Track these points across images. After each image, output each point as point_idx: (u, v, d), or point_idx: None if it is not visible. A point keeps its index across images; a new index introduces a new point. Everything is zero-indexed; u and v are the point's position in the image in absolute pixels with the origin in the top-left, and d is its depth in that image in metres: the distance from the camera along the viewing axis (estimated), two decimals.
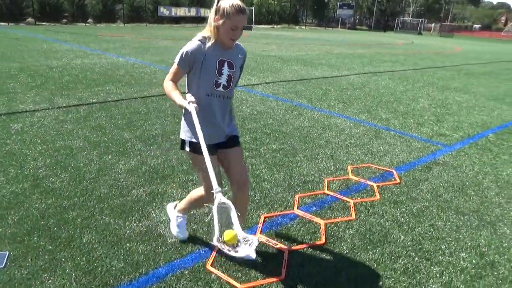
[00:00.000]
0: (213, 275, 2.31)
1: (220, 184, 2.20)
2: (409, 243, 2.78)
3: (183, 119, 2.31)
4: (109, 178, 3.52)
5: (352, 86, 8.80)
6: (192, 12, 36.32)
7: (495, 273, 2.52)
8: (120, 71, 9.01)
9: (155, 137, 4.64)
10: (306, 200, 3.33)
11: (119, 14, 33.98)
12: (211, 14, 2.12)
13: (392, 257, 2.60)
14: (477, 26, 74.23)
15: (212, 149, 2.19)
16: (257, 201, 3.24)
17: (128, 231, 2.71)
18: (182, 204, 2.60)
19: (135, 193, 3.26)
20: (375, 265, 2.50)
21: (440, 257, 2.64)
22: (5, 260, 2.34)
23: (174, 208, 2.68)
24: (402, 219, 3.11)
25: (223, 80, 2.20)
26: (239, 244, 1.85)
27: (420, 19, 52.32)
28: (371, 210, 3.21)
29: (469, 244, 2.83)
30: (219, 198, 1.87)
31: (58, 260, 2.37)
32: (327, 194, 3.45)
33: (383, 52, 18.20)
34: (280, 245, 2.61)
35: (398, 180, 3.81)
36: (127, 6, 33.77)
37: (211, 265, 2.38)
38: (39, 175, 3.49)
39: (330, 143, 4.82)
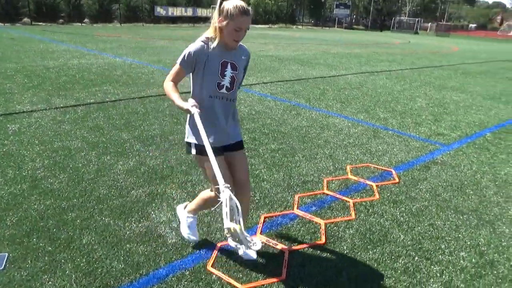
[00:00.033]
0: (214, 275, 2.30)
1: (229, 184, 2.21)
2: (409, 242, 2.79)
3: (187, 122, 2.30)
4: (108, 178, 3.51)
5: (350, 85, 8.82)
6: (189, 12, 36.28)
7: (495, 272, 2.53)
8: (117, 71, 8.98)
9: (153, 138, 4.63)
10: (306, 200, 3.34)
11: (115, 14, 33.87)
12: (214, 15, 2.10)
13: (393, 257, 2.60)
14: (473, 25, 74.54)
15: (218, 150, 2.19)
16: (256, 201, 3.24)
17: (128, 232, 2.70)
18: (192, 204, 2.57)
19: (135, 194, 3.25)
20: (375, 265, 2.51)
21: (440, 256, 2.65)
22: (4, 262, 2.32)
23: (184, 208, 2.64)
24: (401, 218, 3.11)
25: (226, 82, 2.18)
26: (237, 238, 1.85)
27: (417, 19, 52.46)
28: (370, 210, 3.21)
29: (469, 243, 2.84)
30: (227, 193, 1.86)
31: (58, 262, 2.36)
32: (327, 194, 3.45)
33: (380, 52, 18.24)
34: (280, 245, 2.61)
35: (397, 180, 3.82)
36: (124, 6, 33.66)
37: (211, 266, 2.38)
38: (37, 176, 3.48)
39: (328, 143, 4.82)
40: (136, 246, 2.55)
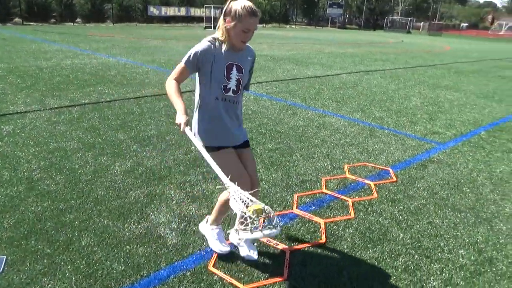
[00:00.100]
0: (216, 276, 2.29)
1: (245, 176, 2.23)
2: (408, 240, 2.80)
3: (195, 125, 2.27)
4: (105, 180, 3.48)
5: (345, 85, 8.85)
6: (182, 11, 36.14)
7: (494, 269, 2.55)
8: (111, 72, 8.92)
9: (150, 138, 4.60)
10: (305, 199, 3.34)
11: (108, 13, 33.64)
12: (222, 16, 2.09)
13: (392, 255, 2.61)
14: (464, 24, 75.19)
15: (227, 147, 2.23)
16: None
17: (127, 233, 2.68)
18: (212, 215, 2.51)
19: (133, 195, 3.23)
20: (376, 264, 2.52)
21: (439, 254, 2.67)
22: (2, 265, 2.29)
23: (206, 222, 2.57)
24: (400, 217, 3.13)
25: (232, 84, 2.17)
26: (265, 220, 1.81)
27: (409, 18, 52.77)
28: (369, 209, 3.22)
29: (467, 241, 2.86)
30: (234, 187, 1.85)
31: (57, 264, 2.34)
32: (325, 193, 3.45)
33: (374, 51, 18.33)
34: (281, 245, 2.61)
35: (394, 179, 3.84)
36: (116, 6, 33.44)
37: (213, 266, 2.37)
38: (33, 178, 3.44)
39: (325, 142, 4.83)
40: (136, 247, 2.53)
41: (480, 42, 35.61)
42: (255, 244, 2.58)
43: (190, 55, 2.11)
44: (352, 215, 3.09)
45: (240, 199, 1.79)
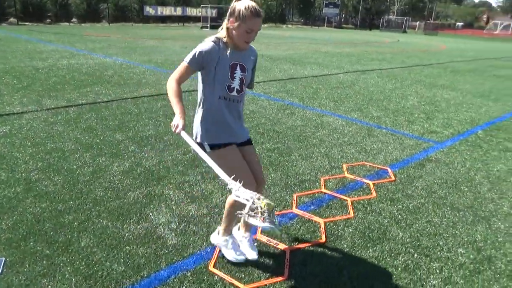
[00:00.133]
0: (216, 276, 2.29)
1: (249, 174, 2.21)
2: (407, 240, 2.81)
3: (197, 124, 2.24)
4: (104, 180, 3.47)
5: (342, 84, 8.86)
6: (178, 11, 36.09)
7: (493, 267, 2.57)
8: (108, 72, 8.89)
9: (148, 138, 4.59)
10: (304, 199, 3.34)
11: (104, 13, 33.54)
12: (226, 16, 2.08)
13: (392, 254, 2.62)
14: (460, 24, 75.55)
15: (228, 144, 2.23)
16: None
17: (127, 234, 2.67)
18: (222, 224, 2.44)
19: (132, 195, 3.21)
20: (376, 263, 2.52)
21: (438, 253, 2.68)
22: (1, 266, 2.27)
23: (218, 234, 2.48)
24: (399, 216, 3.14)
25: (236, 84, 2.17)
26: (271, 215, 1.79)
27: (405, 18, 52.95)
28: (368, 208, 3.23)
29: (466, 239, 2.87)
30: (237, 185, 1.84)
31: (56, 265, 2.33)
32: (324, 193, 3.46)
33: (370, 51, 18.37)
34: (281, 245, 2.61)
35: (393, 178, 3.85)
36: (112, 6, 33.35)
37: (213, 267, 2.37)
38: (31, 179, 3.42)
39: (324, 141, 4.84)
40: (135, 248, 2.52)
41: (475, 42, 35.79)
42: (255, 244, 2.58)
43: (194, 54, 2.09)
44: (352, 214, 3.10)
45: (248, 192, 1.78)
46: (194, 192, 3.33)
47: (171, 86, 2.11)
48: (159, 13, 34.90)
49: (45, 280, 2.20)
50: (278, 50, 15.78)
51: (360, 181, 3.74)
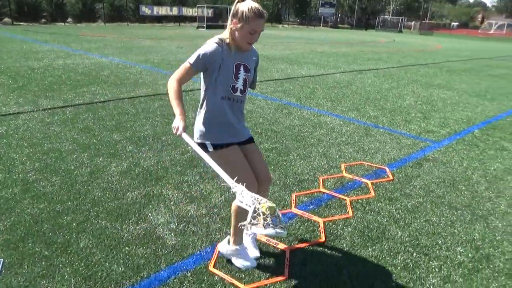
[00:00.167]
0: (216, 276, 2.29)
1: (251, 175, 2.22)
2: (406, 239, 2.82)
3: (200, 124, 2.23)
4: (102, 181, 3.45)
5: (339, 84, 8.88)
6: (174, 11, 36.03)
7: (491, 266, 2.58)
8: (104, 72, 8.85)
9: (146, 138, 4.57)
10: (303, 198, 3.34)
11: (99, 13, 33.41)
12: (229, 17, 2.07)
13: (391, 253, 2.63)
14: (455, 24, 75.93)
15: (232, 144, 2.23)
16: None
17: (126, 235, 2.66)
18: (232, 234, 2.37)
19: (130, 196, 3.20)
20: (375, 262, 2.53)
21: (437, 252, 2.69)
22: (0, 268, 2.26)
23: (228, 243, 2.42)
24: (398, 215, 3.15)
25: (239, 84, 2.17)
26: (274, 219, 1.77)
27: (400, 17, 53.15)
28: (367, 207, 3.24)
29: (464, 238, 2.88)
30: (240, 188, 1.83)
31: (55, 266, 2.31)
32: (323, 192, 3.46)
33: (366, 50, 18.42)
34: (281, 245, 2.61)
35: (391, 177, 3.86)
36: (108, 5, 33.23)
37: (213, 267, 2.36)
38: (29, 179, 3.40)
39: (321, 141, 4.84)
40: (135, 248, 2.52)
41: (470, 41, 35.98)
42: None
43: (198, 56, 2.07)
44: (350, 214, 3.10)
45: (247, 198, 1.77)
46: (192, 192, 3.32)
47: (172, 86, 2.10)
48: (155, 13, 34.81)
49: (44, 281, 2.18)
50: (275, 50, 15.78)
51: (358, 181, 3.75)
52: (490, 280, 2.43)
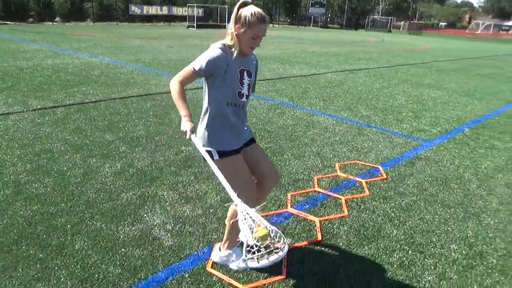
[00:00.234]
0: (215, 277, 2.28)
1: (253, 184, 2.27)
2: (401, 237, 2.85)
3: (204, 131, 2.19)
4: (95, 182, 3.42)
5: (331, 84, 8.92)
6: (164, 10, 35.81)
7: (485, 262, 2.62)
8: (95, 71, 8.76)
9: (139, 139, 4.54)
10: (298, 198, 3.35)
11: (88, 12, 33.06)
12: (230, 22, 2.06)
13: (387, 252, 2.65)
14: (443, 24, 76.89)
15: (237, 151, 2.24)
16: None
17: (121, 236, 2.64)
18: (225, 240, 2.38)
19: (125, 197, 3.18)
20: (371, 260, 2.55)
21: (432, 249, 2.72)
22: None
23: (220, 250, 2.42)
24: (392, 214, 3.18)
25: (245, 89, 2.16)
26: (270, 244, 1.77)
27: (390, 17, 53.61)
28: (362, 206, 3.26)
29: (458, 235, 2.92)
30: (243, 206, 1.82)
31: (51, 269, 2.28)
32: (318, 192, 3.48)
33: (357, 50, 18.55)
34: (277, 244, 2.61)
35: (384, 176, 3.90)
36: (97, 5, 32.90)
37: (211, 267, 2.36)
38: (20, 181, 3.35)
39: (315, 141, 4.86)
40: (131, 250, 2.50)
41: (458, 41, 36.44)
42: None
43: (203, 61, 2.04)
44: (346, 212, 3.12)
45: (247, 220, 1.75)
46: (188, 193, 3.31)
47: (175, 87, 2.04)
48: (144, 12, 34.56)
49: (39, 284, 2.16)
50: (266, 50, 15.79)
51: (352, 180, 3.77)
52: (484, 277, 2.47)
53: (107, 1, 33.69)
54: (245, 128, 2.32)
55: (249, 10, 2.01)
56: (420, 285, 2.35)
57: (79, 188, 3.29)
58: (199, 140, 2.21)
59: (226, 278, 2.26)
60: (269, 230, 1.74)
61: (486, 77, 11.80)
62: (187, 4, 34.85)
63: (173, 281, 2.23)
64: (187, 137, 2.01)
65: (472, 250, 2.75)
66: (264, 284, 2.25)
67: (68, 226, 2.72)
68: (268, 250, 1.78)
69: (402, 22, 58.62)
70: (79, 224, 2.75)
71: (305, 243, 2.67)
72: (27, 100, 5.98)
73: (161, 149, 4.26)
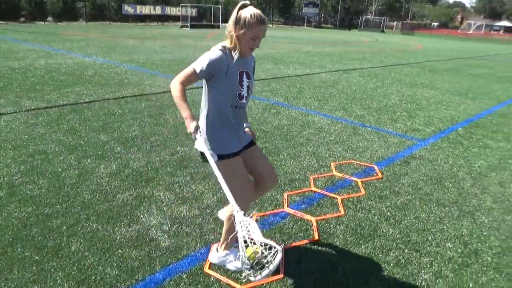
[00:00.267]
0: (212, 277, 2.28)
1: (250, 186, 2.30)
2: (397, 236, 2.87)
3: (203, 133, 2.18)
4: (91, 183, 3.40)
5: (325, 83, 8.95)
6: (158, 10, 35.67)
7: (480, 260, 2.65)
8: (88, 72, 8.70)
9: (134, 139, 4.52)
10: (295, 198, 3.36)
11: (80, 12, 32.82)
12: (230, 24, 2.06)
13: (384, 250, 2.67)
14: (435, 24, 77.50)
15: (237, 154, 2.24)
16: None
17: (118, 237, 2.63)
18: (222, 240, 2.38)
19: (121, 198, 3.16)
20: (368, 259, 2.56)
21: (428, 248, 2.74)
22: None
23: (217, 251, 2.42)
24: (388, 213, 3.19)
25: (244, 91, 2.16)
26: (261, 261, 1.79)
27: (383, 18, 53.91)
28: (358, 206, 3.28)
29: (453, 234, 2.95)
30: (240, 217, 1.82)
31: (47, 271, 2.27)
32: (314, 191, 3.49)
33: (350, 50, 18.63)
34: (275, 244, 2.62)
35: (380, 175, 3.92)
36: (89, 4, 32.68)
37: (209, 268, 2.35)
38: (14, 182, 3.32)
39: (310, 140, 4.87)
40: (128, 251, 2.48)
41: (450, 41, 36.75)
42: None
43: (203, 63, 2.03)
44: (342, 212, 3.13)
45: (242, 232, 1.76)
46: (184, 193, 3.30)
47: (177, 88, 2.03)
48: (138, 12, 34.39)
49: (36, 287, 2.14)
50: (260, 50, 15.78)
51: (348, 179, 3.79)
52: (479, 275, 2.49)
53: (100, 0, 33.49)
54: (246, 129, 2.33)
55: (249, 12, 2.02)
56: (417, 283, 2.37)
57: (74, 189, 3.26)
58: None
59: (223, 278, 2.26)
60: (259, 245, 1.75)
61: (478, 77, 11.91)
62: (181, 4, 34.75)
63: (170, 282, 2.22)
64: (194, 137, 2.02)
65: (467, 248, 2.78)
66: (262, 284, 2.25)
67: (64, 227, 2.70)
68: (260, 266, 1.78)
69: (395, 22, 58.99)
70: (75, 226, 2.73)
71: (302, 242, 2.68)
72: (20, 101, 5.92)
73: (157, 149, 4.24)
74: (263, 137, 4.85)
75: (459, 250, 2.75)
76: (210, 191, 3.36)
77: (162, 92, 7.04)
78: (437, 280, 2.41)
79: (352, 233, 2.85)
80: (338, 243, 2.72)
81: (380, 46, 23.56)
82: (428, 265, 2.55)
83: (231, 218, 2.22)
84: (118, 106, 5.91)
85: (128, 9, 33.68)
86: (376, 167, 4.11)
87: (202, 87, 2.20)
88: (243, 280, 1.92)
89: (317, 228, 2.86)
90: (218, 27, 32.87)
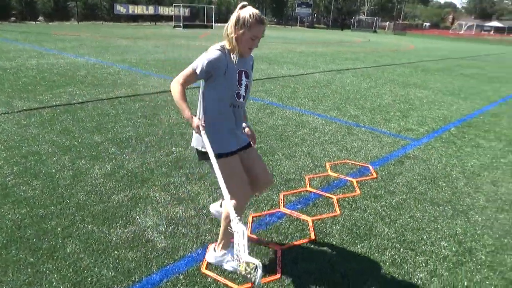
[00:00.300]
0: (209, 278, 2.28)
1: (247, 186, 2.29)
2: (393, 235, 2.89)
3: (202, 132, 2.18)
4: (85, 184, 3.37)
5: (319, 84, 8.98)
6: (150, 10, 35.51)
7: (474, 259, 2.67)
8: (81, 72, 8.64)
9: (128, 140, 4.49)
10: (291, 198, 3.37)
11: (72, 12, 32.56)
12: (229, 24, 2.06)
13: (380, 250, 2.68)
14: (427, 24, 78.15)
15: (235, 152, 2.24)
16: None
17: (114, 238, 2.61)
18: (220, 240, 2.37)
19: (116, 199, 3.14)
20: (365, 258, 2.58)
21: (423, 247, 2.76)
22: None
23: (215, 251, 2.41)
24: (383, 212, 3.22)
25: (242, 90, 2.17)
26: (246, 276, 1.79)
27: (375, 18, 54.23)
28: (353, 205, 3.29)
29: (447, 233, 2.98)
30: (239, 227, 1.83)
31: (42, 273, 2.24)
32: (310, 191, 3.50)
33: (343, 50, 18.71)
34: (272, 244, 2.62)
35: (374, 175, 3.94)
36: (81, 4, 32.42)
37: (206, 268, 2.35)
38: (8, 184, 3.28)
39: (305, 140, 4.89)
40: (124, 252, 2.47)
41: (442, 41, 37.08)
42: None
43: (203, 63, 2.04)
44: (338, 212, 3.15)
45: (238, 247, 1.79)
46: (180, 194, 3.29)
47: (177, 89, 2.04)
48: (130, 11, 34.20)
49: None
50: (254, 50, 15.76)
51: (343, 179, 3.80)
52: (473, 273, 2.52)
53: (91, 0, 33.24)
54: (246, 129, 2.33)
55: (247, 12, 2.03)
56: (413, 282, 2.39)
57: (68, 190, 3.24)
58: (196, 141, 2.23)
59: (221, 279, 2.26)
60: (242, 262, 1.76)
61: (470, 77, 12.04)
62: (173, 4, 34.62)
63: (167, 283, 2.22)
64: (202, 130, 2.05)
65: (461, 247, 2.81)
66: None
67: (59, 229, 2.68)
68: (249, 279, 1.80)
69: (387, 22, 59.40)
70: (70, 227, 2.71)
71: (299, 242, 2.68)
72: (11, 101, 5.86)
73: (152, 150, 4.22)
74: (258, 137, 4.85)
75: (453, 248, 2.77)
76: (206, 191, 3.35)
77: (156, 92, 7.01)
78: (433, 279, 2.43)
79: (348, 232, 2.87)
80: (334, 242, 2.73)
81: (372, 46, 23.69)
82: (423, 264, 2.57)
83: (228, 217, 2.22)
84: (111, 107, 5.87)
85: (120, 9, 33.47)
86: (371, 167, 4.13)
87: (199, 87, 2.19)
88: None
89: (313, 228, 2.87)
90: (211, 27, 32.83)
